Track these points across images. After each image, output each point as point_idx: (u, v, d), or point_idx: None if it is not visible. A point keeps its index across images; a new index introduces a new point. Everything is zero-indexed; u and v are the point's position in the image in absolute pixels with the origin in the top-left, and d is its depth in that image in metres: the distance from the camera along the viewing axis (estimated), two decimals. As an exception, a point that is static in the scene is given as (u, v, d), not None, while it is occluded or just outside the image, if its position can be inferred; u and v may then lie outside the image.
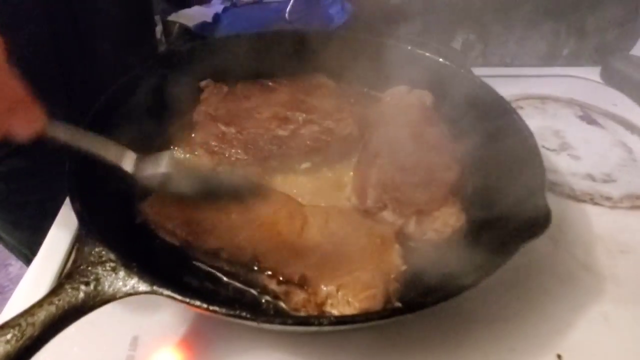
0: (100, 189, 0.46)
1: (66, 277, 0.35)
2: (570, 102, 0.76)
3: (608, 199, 0.58)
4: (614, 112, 0.73)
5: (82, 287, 0.35)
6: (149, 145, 0.59)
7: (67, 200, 0.56)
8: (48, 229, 0.53)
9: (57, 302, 0.34)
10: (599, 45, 0.88)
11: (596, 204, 0.58)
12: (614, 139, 0.68)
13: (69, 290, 0.34)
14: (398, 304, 0.41)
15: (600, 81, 0.81)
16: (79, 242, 0.38)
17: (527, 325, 0.45)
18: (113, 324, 0.43)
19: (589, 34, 0.89)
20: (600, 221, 0.56)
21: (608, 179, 0.61)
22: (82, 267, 0.36)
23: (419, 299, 0.42)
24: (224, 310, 0.33)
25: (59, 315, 0.33)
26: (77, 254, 0.37)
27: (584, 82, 0.81)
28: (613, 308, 0.47)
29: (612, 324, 0.45)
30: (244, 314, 0.33)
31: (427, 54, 0.65)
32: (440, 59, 0.64)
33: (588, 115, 0.73)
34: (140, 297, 0.36)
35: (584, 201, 0.58)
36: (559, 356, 0.42)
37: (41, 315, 0.33)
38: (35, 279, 0.47)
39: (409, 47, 0.67)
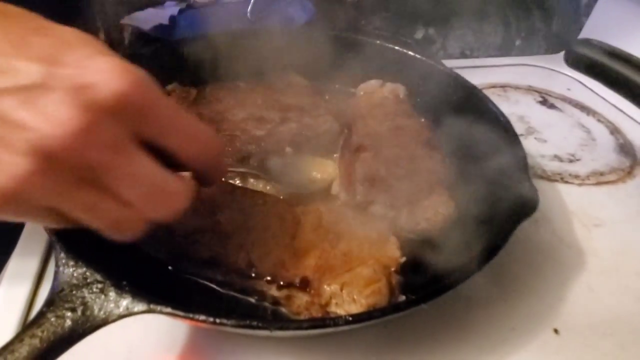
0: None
1: (47, 305, 0.31)
2: (528, 89, 0.80)
3: (576, 177, 0.62)
4: (570, 97, 0.78)
5: (68, 313, 0.31)
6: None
7: (27, 226, 0.50)
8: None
9: (40, 334, 0.30)
10: (546, 35, 0.94)
11: (566, 182, 0.61)
12: (573, 121, 0.72)
13: (53, 319, 0.31)
14: (402, 297, 0.41)
15: (551, 68, 0.86)
16: (57, 264, 0.34)
17: (523, 303, 0.46)
18: (99, 350, 0.39)
19: (536, 25, 0.95)
20: (572, 198, 0.58)
21: (573, 159, 0.65)
22: (64, 292, 0.32)
23: (421, 289, 0.41)
24: (233, 322, 0.31)
25: (45, 348, 0.29)
26: (56, 277, 0.33)
27: (538, 69, 0.86)
28: (596, 279, 0.49)
29: (597, 293, 0.48)
30: (255, 323, 0.31)
31: (397, 48, 0.66)
32: (410, 52, 0.65)
33: (546, 101, 0.77)
34: (127, 318, 0.33)
35: (555, 180, 0.61)
36: (555, 330, 0.44)
37: (23, 351, 0.29)
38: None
39: (378, 42, 0.68)
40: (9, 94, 0.24)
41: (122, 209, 0.28)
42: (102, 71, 0.24)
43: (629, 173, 0.63)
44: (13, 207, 0.25)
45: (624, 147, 0.68)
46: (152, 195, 0.28)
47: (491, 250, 0.39)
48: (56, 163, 0.24)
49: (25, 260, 0.46)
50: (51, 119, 0.23)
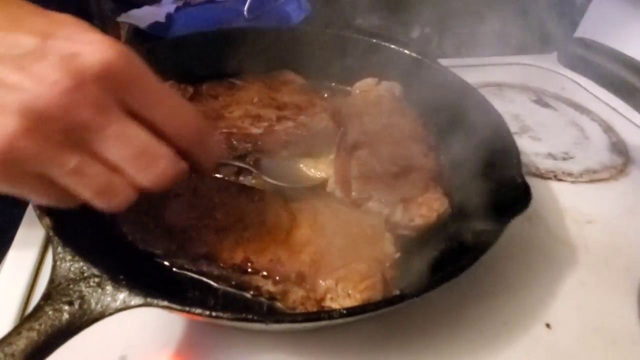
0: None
1: (44, 299, 0.32)
2: (524, 88, 0.80)
3: (569, 174, 0.62)
4: (564, 96, 0.78)
5: (66, 307, 0.31)
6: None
7: (24, 222, 0.51)
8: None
9: (38, 327, 0.30)
10: (541, 34, 0.94)
11: (560, 180, 0.62)
12: (567, 120, 0.73)
13: (50, 312, 0.31)
14: (396, 292, 0.41)
15: (546, 67, 0.87)
16: (54, 259, 0.34)
17: (515, 298, 0.46)
18: (95, 346, 0.39)
19: (531, 25, 0.95)
20: (565, 196, 0.59)
21: (567, 157, 0.66)
22: (61, 286, 0.32)
23: (415, 285, 0.42)
24: (229, 315, 0.31)
25: (42, 341, 0.30)
26: (53, 272, 0.34)
27: (532, 68, 0.87)
28: (587, 274, 0.50)
29: (588, 289, 0.48)
30: (250, 316, 0.31)
31: (393, 46, 0.66)
32: (406, 50, 0.65)
33: (541, 99, 0.77)
34: (123, 312, 0.33)
35: (548, 178, 0.62)
36: (547, 325, 0.44)
37: (21, 344, 0.29)
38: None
39: (374, 40, 0.68)
40: (4, 61, 0.26)
41: (110, 174, 0.29)
42: (90, 43, 0.27)
43: (621, 171, 0.64)
44: (3, 169, 0.26)
45: (617, 146, 0.69)
46: (138, 158, 0.29)
47: (484, 246, 0.39)
48: (45, 122, 0.26)
49: (22, 254, 0.47)
50: (41, 81, 0.25)
